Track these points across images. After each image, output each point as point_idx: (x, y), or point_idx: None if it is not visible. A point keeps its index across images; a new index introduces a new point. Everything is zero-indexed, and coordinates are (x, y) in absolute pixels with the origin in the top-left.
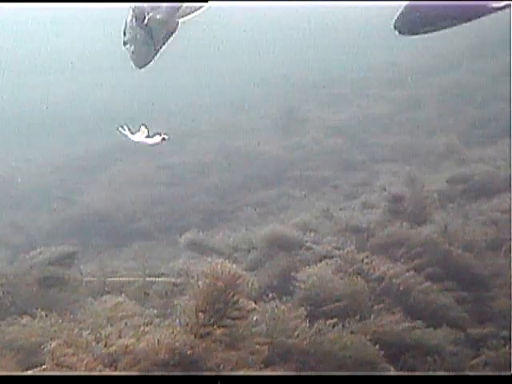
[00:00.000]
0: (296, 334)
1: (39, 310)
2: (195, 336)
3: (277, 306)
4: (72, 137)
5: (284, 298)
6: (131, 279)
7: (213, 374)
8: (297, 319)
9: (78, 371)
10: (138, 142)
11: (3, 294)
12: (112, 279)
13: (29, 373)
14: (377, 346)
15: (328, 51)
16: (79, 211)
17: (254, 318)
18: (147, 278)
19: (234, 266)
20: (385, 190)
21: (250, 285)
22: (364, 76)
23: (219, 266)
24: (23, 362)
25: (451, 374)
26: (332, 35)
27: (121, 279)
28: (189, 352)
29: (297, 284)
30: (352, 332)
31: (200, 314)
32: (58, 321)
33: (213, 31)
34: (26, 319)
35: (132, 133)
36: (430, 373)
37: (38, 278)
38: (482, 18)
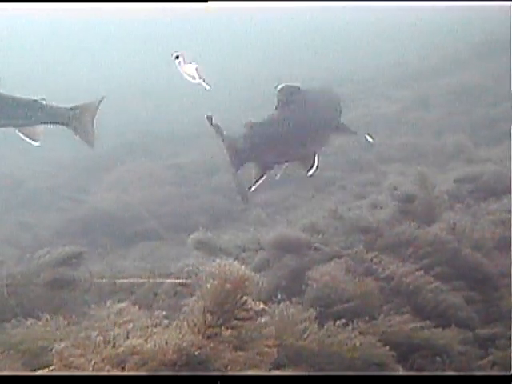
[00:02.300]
0: (305, 335)
1: (46, 312)
2: (203, 337)
3: (286, 308)
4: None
5: (293, 300)
6: (139, 280)
7: (214, 374)
8: (306, 321)
9: (86, 371)
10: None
11: (10, 294)
12: (120, 280)
13: (36, 373)
14: (387, 347)
15: (335, 51)
16: (86, 211)
17: (263, 320)
18: (155, 279)
19: (243, 267)
20: (395, 189)
21: (259, 285)
22: (371, 76)
23: (227, 267)
24: (29, 364)
25: (450, 374)
26: (339, 35)
27: (129, 280)
28: (196, 352)
29: (307, 287)
30: (361, 333)
31: (208, 314)
32: (65, 323)
33: (219, 30)
34: (32, 321)
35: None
36: (438, 373)
37: (45, 279)
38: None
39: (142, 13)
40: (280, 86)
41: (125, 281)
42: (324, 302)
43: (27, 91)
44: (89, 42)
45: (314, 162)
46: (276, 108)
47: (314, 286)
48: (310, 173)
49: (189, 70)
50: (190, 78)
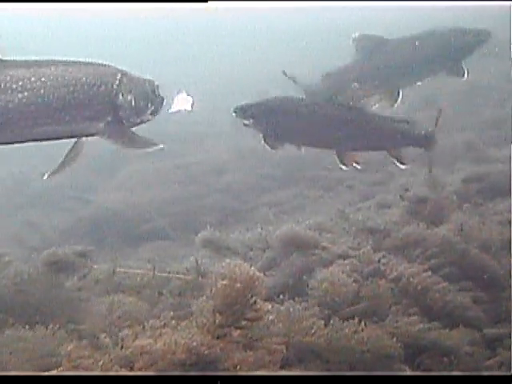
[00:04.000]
0: (312, 331)
1: (52, 312)
2: (212, 337)
3: (293, 306)
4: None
5: (300, 298)
6: (145, 278)
7: (214, 374)
8: (312, 318)
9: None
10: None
11: (17, 293)
12: (126, 276)
13: (45, 374)
14: (394, 339)
15: (342, 51)
16: (94, 211)
17: (270, 318)
18: (161, 274)
19: (253, 268)
20: (407, 190)
21: (263, 285)
22: None
23: (237, 268)
24: (38, 366)
25: (450, 373)
26: (346, 34)
27: (134, 274)
28: (206, 352)
29: (307, 296)
30: (367, 326)
31: (217, 315)
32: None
33: (219, 30)
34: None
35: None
36: (439, 372)
37: (51, 277)
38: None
39: (142, 13)
40: (356, 35)
41: (128, 271)
42: (328, 307)
43: None
44: (89, 42)
45: (398, 95)
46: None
47: (316, 293)
48: (394, 105)
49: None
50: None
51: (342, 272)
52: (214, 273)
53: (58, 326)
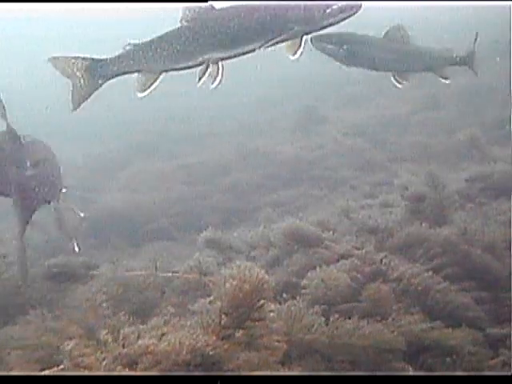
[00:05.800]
0: (314, 329)
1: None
2: (217, 337)
3: (294, 304)
4: (90, 137)
5: (300, 297)
6: (147, 277)
7: (215, 374)
8: (313, 315)
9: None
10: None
11: (18, 294)
12: (128, 276)
13: (45, 373)
14: (395, 333)
15: None
16: (97, 211)
17: (271, 315)
18: (163, 274)
19: (262, 271)
20: (407, 189)
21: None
22: (382, 75)
23: (246, 269)
24: (40, 364)
25: (450, 373)
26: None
27: (137, 275)
28: (211, 353)
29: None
30: (368, 323)
31: (223, 315)
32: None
33: None
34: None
35: None
36: (439, 372)
37: (54, 282)
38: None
39: (143, 13)
40: None
41: (131, 270)
42: (322, 302)
43: None
44: (89, 42)
45: None
46: None
47: (308, 290)
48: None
49: None
50: None
51: (338, 271)
52: (222, 273)
53: (61, 325)
